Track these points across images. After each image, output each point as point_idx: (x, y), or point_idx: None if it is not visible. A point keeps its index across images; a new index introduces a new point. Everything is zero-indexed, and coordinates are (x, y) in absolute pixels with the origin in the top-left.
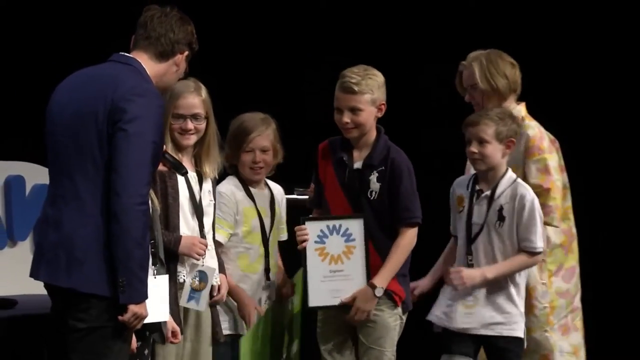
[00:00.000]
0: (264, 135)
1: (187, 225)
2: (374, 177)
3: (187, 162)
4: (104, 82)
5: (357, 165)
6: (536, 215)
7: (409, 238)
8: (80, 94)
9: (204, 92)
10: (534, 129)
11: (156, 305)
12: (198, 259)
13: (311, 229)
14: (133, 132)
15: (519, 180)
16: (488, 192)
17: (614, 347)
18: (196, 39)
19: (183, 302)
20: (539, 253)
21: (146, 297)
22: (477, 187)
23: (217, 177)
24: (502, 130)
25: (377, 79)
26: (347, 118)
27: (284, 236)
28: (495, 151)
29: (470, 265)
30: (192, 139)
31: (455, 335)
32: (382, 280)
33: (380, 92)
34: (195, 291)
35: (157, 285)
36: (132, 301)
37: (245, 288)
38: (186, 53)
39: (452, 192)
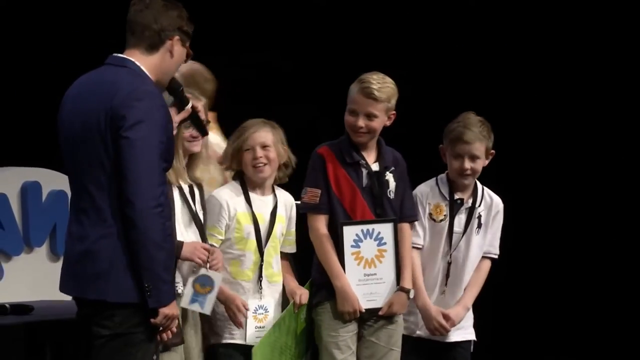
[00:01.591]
0: (262, 132)
1: (181, 236)
2: (390, 177)
3: (182, 175)
4: (103, 90)
5: (374, 167)
6: (501, 224)
7: (411, 235)
8: (84, 105)
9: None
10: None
11: None
12: (201, 264)
13: (347, 233)
14: (135, 137)
15: (485, 188)
16: (470, 201)
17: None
18: (187, 20)
19: (185, 303)
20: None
21: (174, 298)
22: (456, 197)
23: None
24: (489, 145)
25: (394, 88)
26: (362, 122)
27: (291, 249)
28: (482, 165)
29: (447, 271)
30: (199, 146)
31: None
32: (409, 281)
33: (394, 102)
34: (199, 294)
35: None
36: (161, 304)
37: None
38: (176, 38)
39: (424, 201)
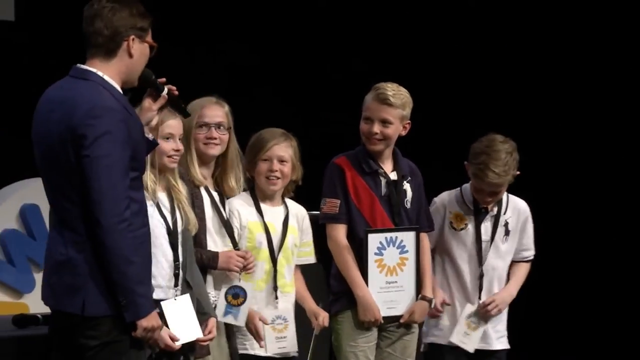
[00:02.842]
0: (282, 146)
1: (214, 244)
2: (407, 186)
3: (209, 181)
4: (63, 109)
5: (392, 176)
6: (532, 226)
7: (429, 243)
8: (48, 125)
9: (226, 106)
10: None
11: (184, 325)
12: (238, 272)
13: (372, 241)
14: (96, 155)
15: (510, 195)
16: (495, 209)
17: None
18: (140, 15)
19: (220, 316)
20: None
21: (152, 309)
22: (481, 206)
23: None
24: (515, 173)
25: (409, 97)
26: (377, 129)
27: (310, 259)
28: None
29: (480, 282)
30: (217, 149)
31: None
32: (430, 290)
33: (409, 111)
34: (232, 306)
35: (180, 306)
36: (138, 317)
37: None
38: (132, 37)
39: (443, 210)
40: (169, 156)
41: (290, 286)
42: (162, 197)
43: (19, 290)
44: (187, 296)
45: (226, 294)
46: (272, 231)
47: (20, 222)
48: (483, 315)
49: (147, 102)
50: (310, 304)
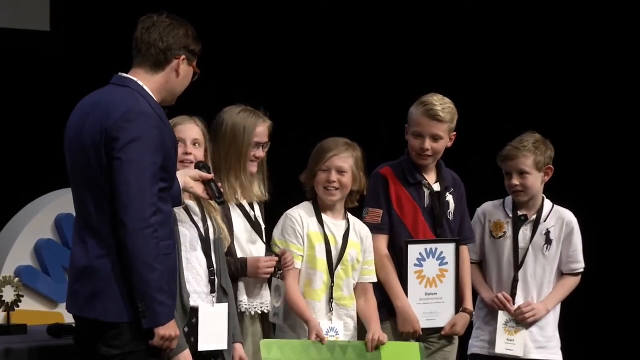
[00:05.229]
0: (342, 157)
1: (243, 253)
2: (450, 198)
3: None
4: (99, 112)
5: (436, 187)
6: (580, 238)
7: (469, 255)
8: (83, 127)
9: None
10: None
11: (214, 333)
12: (267, 276)
13: (412, 252)
14: (127, 158)
15: (556, 205)
16: (533, 217)
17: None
18: (194, 39)
19: (271, 317)
20: (581, 273)
21: (171, 318)
22: (520, 213)
23: (267, 199)
24: (540, 159)
25: (454, 109)
26: (428, 145)
27: (372, 278)
28: (535, 181)
29: (514, 287)
30: (256, 167)
31: None
32: (471, 302)
33: (455, 122)
34: (274, 307)
35: (216, 314)
36: (156, 324)
37: None
38: (183, 57)
39: (483, 219)
40: (181, 161)
41: (349, 300)
42: (192, 204)
43: (55, 299)
44: (225, 305)
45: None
46: (332, 243)
47: (56, 232)
48: (520, 318)
49: (197, 174)
50: (374, 324)
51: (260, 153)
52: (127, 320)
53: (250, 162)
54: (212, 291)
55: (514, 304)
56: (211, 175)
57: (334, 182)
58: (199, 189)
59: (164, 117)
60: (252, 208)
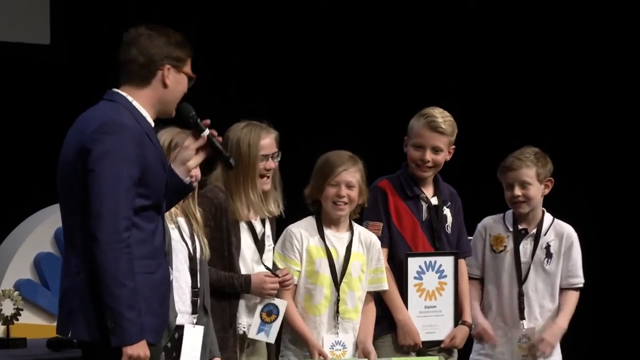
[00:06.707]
0: (351, 171)
1: (246, 271)
2: (447, 212)
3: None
4: (78, 127)
5: (433, 201)
6: (580, 253)
7: (466, 269)
8: (66, 143)
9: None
10: None
11: (188, 353)
12: (272, 296)
13: (412, 265)
14: (100, 170)
15: (556, 219)
16: (534, 231)
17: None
18: (177, 44)
19: (252, 334)
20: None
21: (141, 338)
22: (520, 227)
23: (282, 214)
24: (541, 171)
25: (454, 122)
26: (429, 156)
27: (382, 285)
28: (537, 192)
29: (520, 301)
30: (269, 184)
31: None
32: (469, 315)
33: (455, 136)
34: (265, 323)
35: (193, 335)
36: (124, 343)
37: None
38: (168, 67)
39: (484, 233)
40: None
41: (354, 313)
42: (181, 222)
43: (54, 313)
44: (201, 328)
45: (261, 311)
46: (334, 257)
47: (55, 245)
48: (532, 353)
49: (187, 140)
50: (368, 340)
51: (271, 164)
52: (98, 339)
53: (261, 177)
54: (194, 311)
55: (522, 318)
56: (205, 133)
57: (344, 197)
58: (200, 158)
59: (150, 132)
60: (263, 224)
